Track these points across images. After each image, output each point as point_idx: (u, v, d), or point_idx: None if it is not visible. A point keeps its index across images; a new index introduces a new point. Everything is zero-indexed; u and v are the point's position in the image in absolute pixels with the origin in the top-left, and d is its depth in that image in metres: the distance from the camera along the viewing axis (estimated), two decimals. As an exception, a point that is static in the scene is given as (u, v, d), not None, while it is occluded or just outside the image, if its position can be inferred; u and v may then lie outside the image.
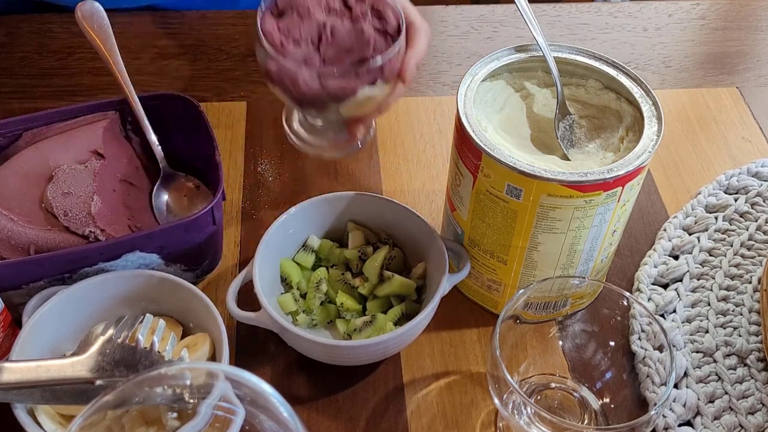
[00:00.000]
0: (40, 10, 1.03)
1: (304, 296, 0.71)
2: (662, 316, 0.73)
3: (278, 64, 0.67)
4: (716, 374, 0.69)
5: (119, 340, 0.60)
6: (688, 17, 1.08)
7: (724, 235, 0.80)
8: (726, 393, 0.67)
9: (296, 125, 0.81)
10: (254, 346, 0.70)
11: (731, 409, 0.67)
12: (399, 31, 0.69)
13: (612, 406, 0.65)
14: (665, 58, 1.01)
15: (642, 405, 0.65)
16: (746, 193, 0.83)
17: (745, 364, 0.69)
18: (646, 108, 0.65)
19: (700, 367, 0.69)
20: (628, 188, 0.62)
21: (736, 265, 0.77)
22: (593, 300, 0.67)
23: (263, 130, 0.89)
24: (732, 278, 0.76)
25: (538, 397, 0.67)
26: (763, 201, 0.82)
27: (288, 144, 0.80)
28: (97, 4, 0.73)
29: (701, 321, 0.72)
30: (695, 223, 0.81)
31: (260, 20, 0.69)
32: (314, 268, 0.72)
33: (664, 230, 0.80)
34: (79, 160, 0.71)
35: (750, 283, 0.75)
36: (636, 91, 0.67)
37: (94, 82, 0.94)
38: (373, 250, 0.72)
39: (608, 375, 0.67)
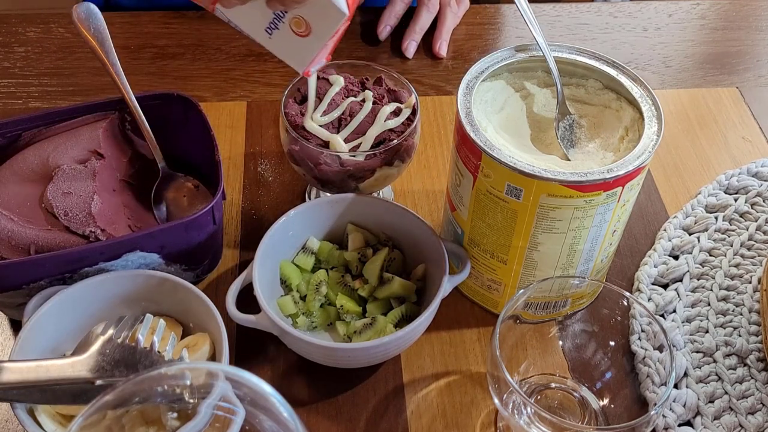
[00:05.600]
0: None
1: (303, 298, 0.71)
2: (662, 316, 0.73)
3: (300, 146, 0.70)
4: (716, 374, 0.69)
5: (119, 340, 0.59)
6: (688, 17, 1.08)
7: (724, 235, 0.80)
8: (726, 393, 0.67)
9: None
10: (254, 347, 0.70)
11: (731, 409, 0.67)
12: (414, 112, 0.73)
13: (612, 406, 0.65)
14: (665, 58, 1.01)
15: (642, 405, 0.65)
16: (746, 193, 0.83)
17: (745, 364, 0.69)
18: (646, 108, 0.65)
19: (700, 367, 0.69)
20: (628, 188, 0.62)
21: (736, 265, 0.77)
22: (593, 300, 0.67)
23: (263, 130, 0.89)
24: (732, 278, 0.76)
25: (538, 397, 0.67)
26: (763, 201, 0.82)
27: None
28: (93, 6, 0.73)
29: (701, 321, 0.72)
30: (695, 223, 0.81)
31: (283, 105, 0.72)
32: (314, 270, 0.72)
33: (664, 230, 0.80)
34: (79, 160, 0.71)
35: (750, 283, 0.75)
36: (636, 91, 0.67)
37: (93, 82, 0.94)
38: (373, 252, 0.72)
39: (608, 375, 0.67)
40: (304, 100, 0.74)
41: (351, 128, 0.71)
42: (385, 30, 1.00)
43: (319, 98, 0.73)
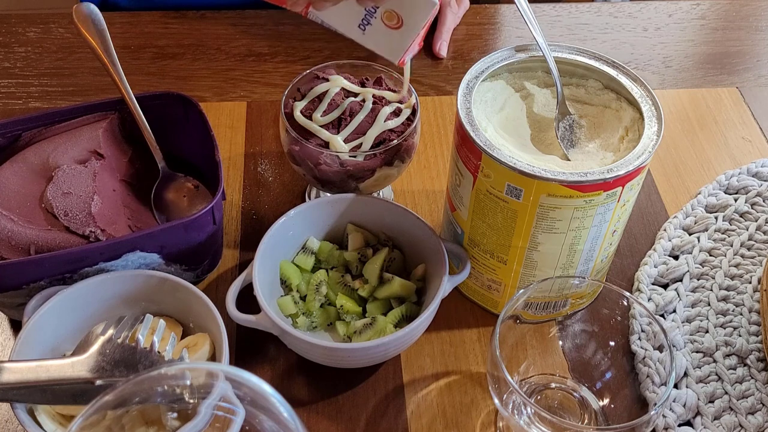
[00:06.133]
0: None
1: (303, 298, 0.71)
2: (662, 316, 0.73)
3: (300, 146, 0.70)
4: (716, 374, 0.69)
5: (119, 340, 0.60)
6: (688, 17, 1.08)
7: (724, 235, 0.80)
8: (726, 393, 0.67)
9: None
10: (254, 347, 0.70)
11: (731, 409, 0.67)
12: (414, 112, 0.73)
13: (612, 406, 0.65)
14: (665, 58, 1.01)
15: (642, 405, 0.65)
16: (746, 193, 0.83)
17: (745, 364, 0.69)
18: (646, 108, 0.65)
19: (700, 367, 0.69)
20: (628, 188, 0.62)
21: (736, 265, 0.77)
22: (593, 300, 0.67)
23: (263, 130, 0.89)
24: (732, 278, 0.76)
25: (538, 397, 0.67)
26: (763, 201, 0.82)
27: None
28: (93, 6, 0.73)
29: (701, 321, 0.72)
30: (695, 223, 0.81)
31: (283, 105, 0.72)
32: (314, 270, 0.72)
33: (664, 230, 0.80)
34: (79, 160, 0.71)
35: (750, 283, 0.75)
36: (636, 91, 0.67)
37: (93, 82, 0.94)
38: (373, 252, 0.72)
39: (608, 375, 0.67)
40: (304, 99, 0.74)
41: (351, 128, 0.71)
42: None
43: (319, 98, 0.73)
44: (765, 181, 0.84)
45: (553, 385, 0.67)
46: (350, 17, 0.60)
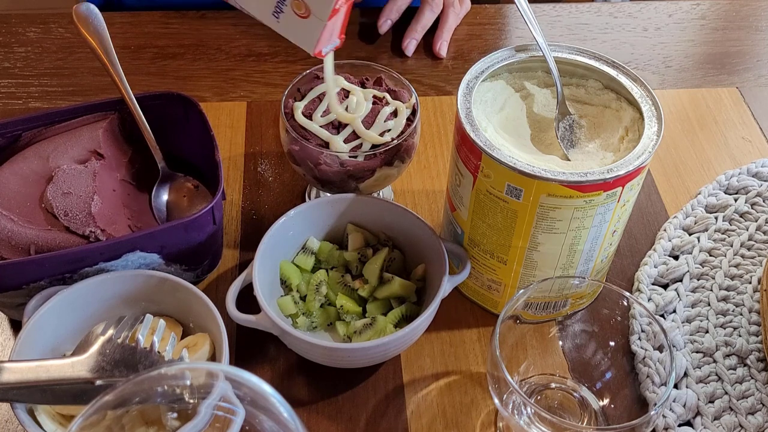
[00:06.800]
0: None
1: (303, 299, 0.71)
2: (662, 316, 0.73)
3: (300, 146, 0.70)
4: (716, 374, 0.69)
5: (119, 340, 0.60)
6: (688, 17, 1.08)
7: (724, 235, 0.80)
8: (726, 393, 0.67)
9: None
10: (254, 347, 0.70)
11: (731, 409, 0.67)
12: (414, 112, 0.73)
13: (612, 406, 0.65)
14: (665, 58, 1.01)
15: (642, 405, 0.65)
16: (746, 193, 0.83)
17: (745, 364, 0.69)
18: (646, 108, 0.65)
19: (700, 367, 0.69)
20: (628, 188, 0.62)
21: (736, 265, 0.77)
22: (593, 300, 0.67)
23: (263, 130, 0.89)
24: (732, 278, 0.76)
25: (538, 397, 0.67)
26: (763, 201, 0.82)
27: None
28: (93, 6, 0.73)
29: (701, 321, 0.72)
30: (695, 223, 0.81)
31: (283, 105, 0.72)
32: (314, 270, 0.72)
33: (664, 230, 0.80)
34: (79, 160, 0.71)
35: (750, 283, 0.75)
36: (636, 91, 0.67)
37: (93, 82, 0.94)
38: (373, 252, 0.72)
39: (608, 375, 0.67)
40: (304, 99, 0.74)
41: (351, 128, 0.71)
42: (385, 24, 1.00)
43: (319, 98, 0.73)
44: (765, 181, 0.84)
45: (553, 385, 0.67)
46: (264, 4, 0.59)
